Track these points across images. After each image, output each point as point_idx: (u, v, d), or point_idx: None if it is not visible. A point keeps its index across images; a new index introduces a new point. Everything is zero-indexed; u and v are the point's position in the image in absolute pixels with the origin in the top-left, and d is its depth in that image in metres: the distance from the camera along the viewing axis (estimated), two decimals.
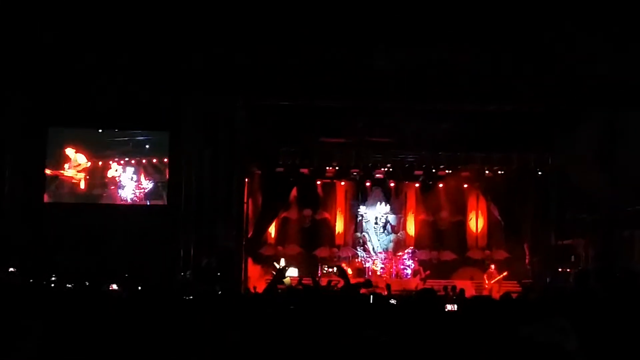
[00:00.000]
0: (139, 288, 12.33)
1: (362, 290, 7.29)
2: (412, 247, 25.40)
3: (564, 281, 20.61)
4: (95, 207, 21.14)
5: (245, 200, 22.43)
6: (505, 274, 22.87)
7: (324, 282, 7.22)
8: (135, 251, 19.11)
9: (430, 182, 24.99)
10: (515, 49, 16.84)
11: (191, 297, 9.56)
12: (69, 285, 11.00)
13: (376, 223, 26.03)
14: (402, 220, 26.23)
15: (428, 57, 17.45)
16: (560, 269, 21.49)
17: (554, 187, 22.41)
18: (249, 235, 23.08)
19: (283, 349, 4.84)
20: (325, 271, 22.73)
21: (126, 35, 17.02)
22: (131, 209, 21.22)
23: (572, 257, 21.25)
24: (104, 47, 17.64)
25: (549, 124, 20.76)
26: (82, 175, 21.24)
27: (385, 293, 19.41)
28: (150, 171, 21.50)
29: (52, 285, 12.66)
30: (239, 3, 15.89)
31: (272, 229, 25.00)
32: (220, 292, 11.40)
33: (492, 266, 23.43)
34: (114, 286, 12.79)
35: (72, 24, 16.56)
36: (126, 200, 21.43)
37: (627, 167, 18.66)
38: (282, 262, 21.69)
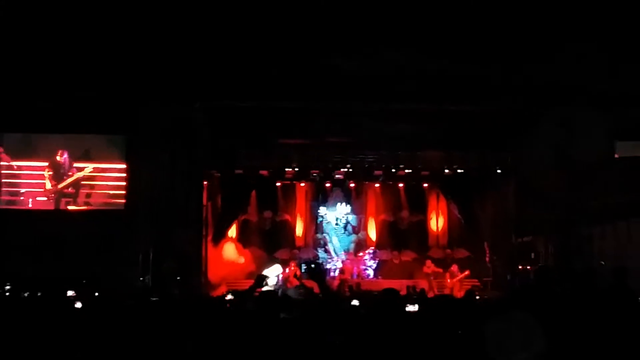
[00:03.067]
0: (97, 294, 12.15)
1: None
2: (373, 248, 25.45)
3: (524, 278, 20.78)
4: (51, 212, 20.78)
5: (204, 203, 22.25)
6: (467, 273, 22.99)
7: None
8: (92, 257, 18.81)
9: (390, 182, 25.06)
10: (472, 50, 16.89)
11: (150, 302, 9.40)
12: (25, 294, 10.79)
13: (337, 224, 26.03)
14: (362, 220, 26.26)
15: (386, 58, 17.42)
16: (520, 267, 21.64)
17: (513, 185, 22.58)
18: (209, 239, 22.89)
19: (241, 354, 4.74)
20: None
21: (80, 39, 16.75)
22: (88, 214, 20.90)
23: (532, 254, 21.42)
24: (58, 52, 17.34)
25: (507, 123, 20.87)
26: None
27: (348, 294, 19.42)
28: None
29: (7, 293, 12.42)
30: (195, 4, 15.73)
31: (232, 232, 24.82)
32: (179, 297, 11.25)
33: (455, 266, 23.52)
34: (71, 293, 12.56)
35: (23, 28, 16.26)
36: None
37: (584, 165, 18.87)
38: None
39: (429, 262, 23.79)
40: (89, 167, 20.97)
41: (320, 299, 6.09)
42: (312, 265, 6.37)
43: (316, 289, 6.41)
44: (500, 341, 3.38)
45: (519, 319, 3.47)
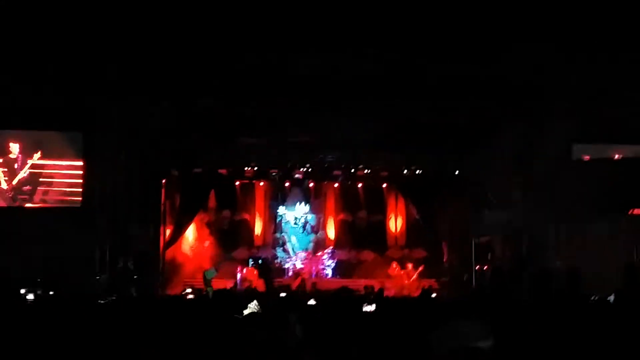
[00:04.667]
0: (52, 292, 12.04)
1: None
2: (331, 247, 25.51)
3: (481, 279, 20.99)
4: (5, 209, 20.46)
5: (162, 202, 22.12)
6: (421, 268, 23.22)
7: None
8: (48, 255, 18.53)
9: (350, 182, 25.14)
10: (433, 53, 17.02)
11: (106, 300, 9.35)
12: None
13: (295, 223, 26.03)
14: (321, 220, 26.29)
15: (346, 59, 17.49)
16: (477, 267, 21.87)
17: (470, 186, 22.78)
18: (167, 238, 22.76)
19: (194, 352, 4.74)
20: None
21: (38, 35, 16.56)
22: (44, 211, 20.60)
23: (489, 255, 21.64)
24: (14, 48, 17.11)
25: (466, 125, 21.01)
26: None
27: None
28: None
29: None
30: (157, 5, 15.65)
31: (190, 231, 24.71)
32: (136, 295, 11.21)
33: (410, 265, 23.72)
34: (24, 291, 12.44)
35: None
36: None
37: (541, 168, 19.13)
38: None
39: (394, 264, 23.96)
40: (37, 154, 20.55)
41: (278, 297, 6.11)
42: (260, 262, 6.36)
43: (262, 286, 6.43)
44: (446, 339, 3.42)
45: (468, 317, 3.51)
